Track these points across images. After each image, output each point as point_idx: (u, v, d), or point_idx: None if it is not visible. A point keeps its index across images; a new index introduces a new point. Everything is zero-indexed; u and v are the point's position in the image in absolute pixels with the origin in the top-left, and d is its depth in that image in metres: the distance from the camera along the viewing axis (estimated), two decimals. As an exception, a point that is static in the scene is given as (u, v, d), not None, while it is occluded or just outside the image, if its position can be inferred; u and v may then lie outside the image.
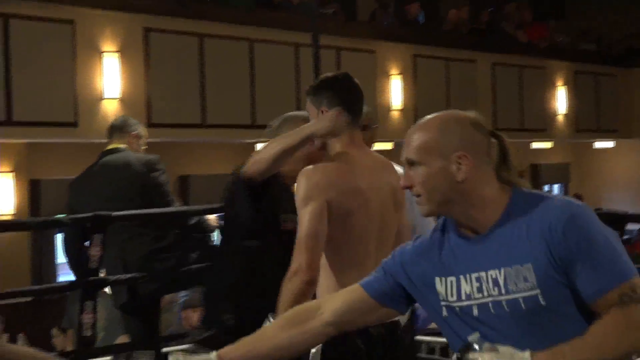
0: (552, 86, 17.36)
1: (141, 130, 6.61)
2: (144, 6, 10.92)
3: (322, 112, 3.68)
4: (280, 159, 3.81)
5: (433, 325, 4.98)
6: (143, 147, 6.54)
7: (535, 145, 17.52)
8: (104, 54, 10.49)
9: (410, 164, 2.61)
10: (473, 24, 16.96)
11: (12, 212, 10.79)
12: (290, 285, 3.42)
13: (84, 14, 10.37)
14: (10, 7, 9.70)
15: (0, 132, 9.81)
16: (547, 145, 17.60)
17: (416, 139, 2.61)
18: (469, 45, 15.53)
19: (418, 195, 2.61)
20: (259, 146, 12.22)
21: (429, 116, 2.67)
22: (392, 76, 14.07)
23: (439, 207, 2.61)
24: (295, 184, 3.58)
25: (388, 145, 13.90)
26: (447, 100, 14.82)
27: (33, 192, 11.30)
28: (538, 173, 19.29)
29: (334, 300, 2.80)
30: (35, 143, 10.97)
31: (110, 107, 10.57)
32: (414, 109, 14.36)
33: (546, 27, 17.85)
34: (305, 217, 3.48)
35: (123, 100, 10.64)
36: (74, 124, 10.24)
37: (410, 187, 2.62)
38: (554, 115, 17.40)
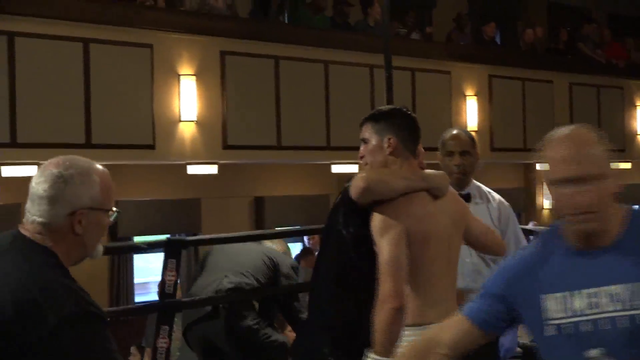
0: (631, 106, 17.08)
1: None
2: (220, 30, 11.04)
3: (389, 139, 3.79)
4: (386, 194, 3.70)
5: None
6: None
7: (615, 165, 17.19)
8: (181, 77, 10.64)
9: (585, 180, 2.51)
10: (550, 43, 16.81)
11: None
12: (381, 315, 3.45)
13: (162, 37, 10.52)
14: (91, 31, 9.88)
15: (80, 154, 9.90)
16: (626, 165, 17.29)
17: (589, 154, 2.57)
18: (546, 65, 15.38)
19: (590, 212, 2.50)
20: (334, 168, 12.32)
21: (575, 131, 2.64)
22: (468, 97, 13.99)
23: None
24: (372, 214, 3.64)
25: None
26: (524, 121, 14.69)
27: (112, 213, 11.42)
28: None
29: (445, 334, 2.80)
30: (113, 165, 11.08)
31: (187, 130, 10.69)
32: (490, 130, 14.26)
33: (625, 46, 17.59)
34: (386, 245, 3.56)
35: (200, 123, 10.75)
36: (151, 146, 10.36)
37: (585, 205, 2.48)
38: (633, 135, 17.11)
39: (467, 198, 4.56)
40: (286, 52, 11.63)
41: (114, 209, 2.75)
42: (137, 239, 11.84)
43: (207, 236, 5.79)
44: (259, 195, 13.15)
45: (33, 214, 2.59)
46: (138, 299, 11.99)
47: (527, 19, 17.58)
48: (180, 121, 10.64)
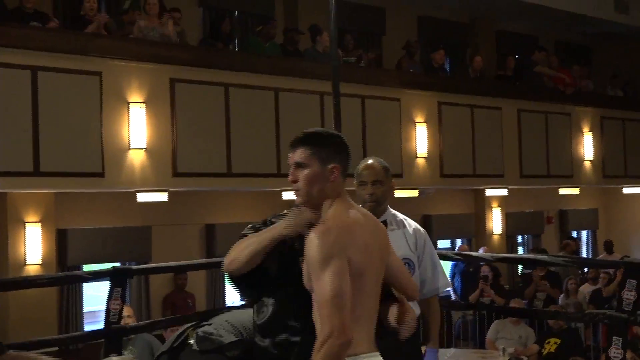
0: (579, 132, 17.33)
1: None
2: (170, 57, 11.06)
3: (333, 168, 3.54)
4: (254, 260, 3.59)
5: None
6: None
7: (563, 191, 17.46)
8: (131, 104, 10.62)
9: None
10: (498, 70, 17.03)
11: (40, 262, 10.87)
12: (325, 350, 3.25)
13: (111, 65, 10.51)
14: (39, 59, 9.85)
15: (28, 182, 9.92)
16: (574, 191, 17.53)
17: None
18: (494, 92, 15.57)
19: None
20: (285, 195, 12.36)
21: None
22: (418, 123, 14.12)
23: None
24: (307, 245, 3.40)
25: (414, 193, 13.94)
26: (473, 147, 14.85)
27: (60, 241, 11.39)
28: (566, 219, 19.22)
29: None
30: (62, 193, 11.08)
31: (137, 157, 10.66)
32: (440, 156, 14.39)
33: (571, 73, 17.87)
34: (328, 277, 3.31)
35: (149, 150, 10.74)
36: (100, 174, 10.32)
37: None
38: (581, 161, 17.34)
39: (383, 225, 4.60)
40: (236, 80, 11.67)
41: None
42: (87, 267, 11.78)
43: (152, 265, 5.77)
44: (209, 223, 13.13)
45: None
46: (87, 327, 11.87)
47: (476, 46, 17.81)
48: (130, 149, 10.60)
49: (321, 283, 3.32)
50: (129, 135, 10.60)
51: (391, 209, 5.07)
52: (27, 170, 9.76)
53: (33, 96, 9.79)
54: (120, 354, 5.60)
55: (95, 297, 12.53)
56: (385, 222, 4.80)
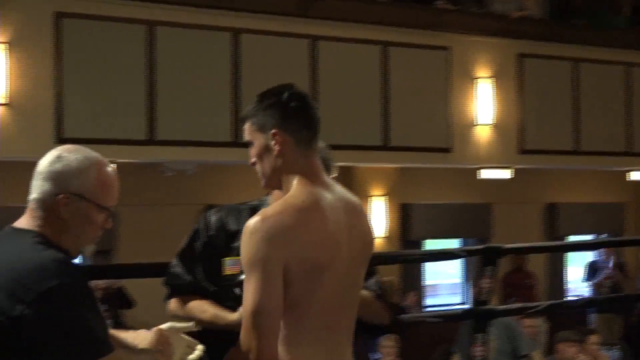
0: None
1: None
2: (518, 32, 10.81)
3: (274, 135, 2.74)
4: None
5: None
6: None
7: None
8: (478, 80, 10.49)
9: None
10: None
11: (384, 235, 11.03)
12: None
13: (459, 40, 10.43)
14: (389, 34, 9.94)
15: (376, 156, 10.06)
16: None
17: None
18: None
19: None
20: (632, 175, 11.75)
21: None
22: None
23: None
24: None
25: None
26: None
27: (404, 215, 11.50)
28: None
29: None
30: (407, 168, 11.15)
31: (483, 133, 10.54)
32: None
33: None
34: (251, 287, 2.60)
35: (496, 126, 10.57)
36: (447, 150, 10.30)
37: None
38: None
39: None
40: (585, 54, 11.23)
41: (108, 210, 2.68)
42: (428, 242, 11.85)
43: (526, 245, 5.58)
44: (551, 202, 12.77)
45: (31, 191, 2.66)
46: (428, 301, 12.01)
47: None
48: (476, 125, 10.50)
49: (245, 291, 2.63)
50: (475, 111, 10.49)
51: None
52: (375, 144, 9.90)
53: (384, 71, 9.88)
54: (487, 336, 5.46)
55: (434, 272, 12.55)
56: None
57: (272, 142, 2.73)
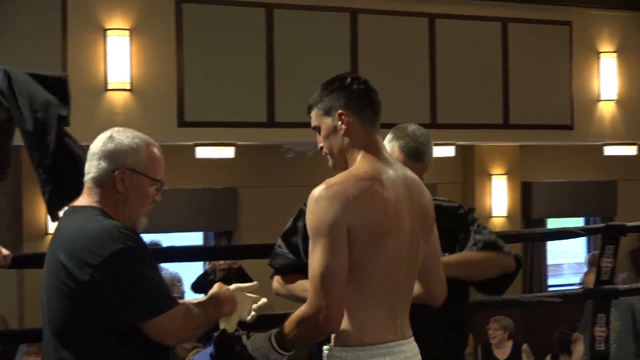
0: None
1: None
2: (642, 4, 10.52)
3: (341, 115, 2.94)
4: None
5: None
6: None
7: None
8: (601, 54, 10.25)
9: None
10: None
11: (505, 214, 10.92)
12: (304, 328, 2.78)
13: (581, 14, 10.21)
14: (509, 10, 9.80)
15: (497, 135, 9.96)
16: None
17: None
18: None
19: None
20: None
21: None
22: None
23: None
24: (306, 208, 2.90)
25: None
26: None
27: (525, 194, 11.35)
28: None
29: None
30: (527, 145, 10.99)
31: (607, 109, 10.31)
32: None
33: None
34: (318, 252, 2.77)
35: (620, 102, 10.33)
36: (569, 127, 10.10)
37: None
38: None
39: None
40: None
41: (159, 182, 2.93)
42: (550, 221, 11.67)
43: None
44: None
45: (87, 171, 2.90)
46: (551, 281, 11.83)
47: None
48: (600, 100, 10.27)
49: (311, 256, 2.80)
50: (598, 87, 10.26)
51: None
52: (496, 122, 9.79)
53: (504, 47, 9.75)
54: (608, 316, 5.37)
55: (556, 251, 12.37)
56: None
57: (339, 123, 2.95)
